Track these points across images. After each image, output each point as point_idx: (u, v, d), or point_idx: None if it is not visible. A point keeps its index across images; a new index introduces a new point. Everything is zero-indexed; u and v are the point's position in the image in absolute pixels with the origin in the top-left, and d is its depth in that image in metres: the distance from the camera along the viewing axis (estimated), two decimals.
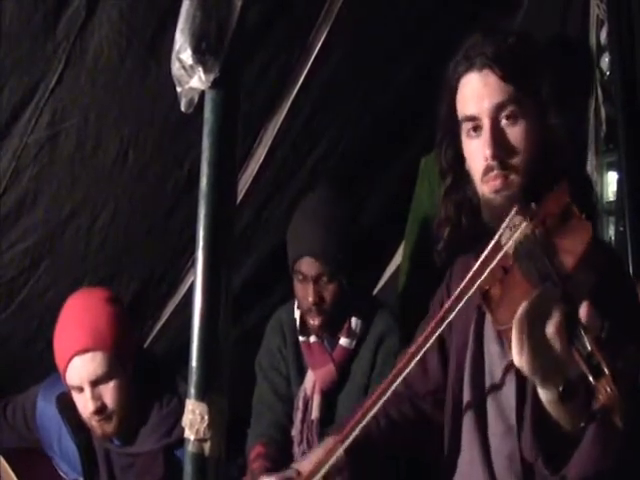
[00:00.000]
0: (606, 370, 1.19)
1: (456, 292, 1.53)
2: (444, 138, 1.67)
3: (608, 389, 1.18)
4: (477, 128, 1.56)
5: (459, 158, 1.64)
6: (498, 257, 1.47)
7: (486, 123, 1.54)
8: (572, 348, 1.24)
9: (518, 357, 1.29)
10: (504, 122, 1.54)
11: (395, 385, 1.58)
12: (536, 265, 1.34)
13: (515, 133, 1.54)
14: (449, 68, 1.62)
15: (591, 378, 1.20)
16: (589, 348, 1.22)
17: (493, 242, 1.50)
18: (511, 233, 1.47)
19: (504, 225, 1.49)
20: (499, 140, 1.53)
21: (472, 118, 1.57)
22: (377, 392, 1.60)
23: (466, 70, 1.58)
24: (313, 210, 2.54)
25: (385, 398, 1.58)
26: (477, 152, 1.56)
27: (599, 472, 1.39)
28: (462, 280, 1.53)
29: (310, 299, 2.46)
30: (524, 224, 1.45)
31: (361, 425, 1.60)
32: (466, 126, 1.59)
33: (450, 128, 1.64)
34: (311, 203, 2.57)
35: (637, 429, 1.40)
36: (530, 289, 1.33)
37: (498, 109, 1.54)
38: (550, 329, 1.25)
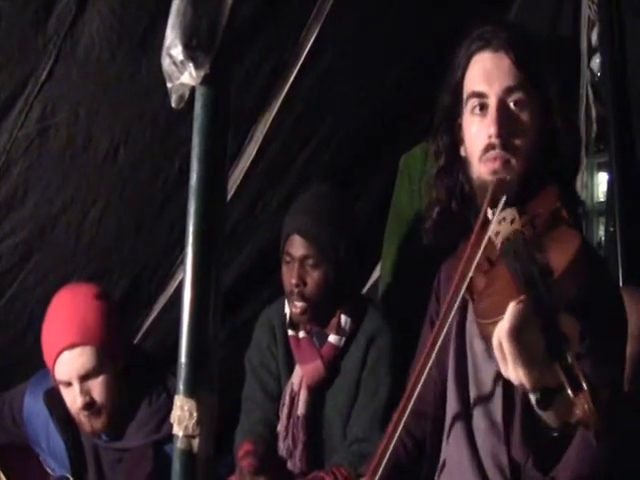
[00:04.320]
0: (584, 385, 1.19)
1: (450, 292, 1.53)
2: (442, 122, 1.68)
3: (586, 406, 1.18)
4: (483, 107, 1.57)
5: (454, 144, 1.65)
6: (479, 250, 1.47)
7: (493, 102, 1.55)
8: (553, 358, 1.23)
9: (514, 373, 1.29)
10: (512, 106, 1.55)
11: (409, 408, 1.56)
12: (522, 266, 1.34)
13: (521, 118, 1.55)
14: (459, 50, 1.63)
15: (569, 391, 1.20)
16: (569, 360, 1.21)
17: (476, 231, 1.50)
18: (500, 227, 1.47)
19: (494, 219, 1.49)
20: (505, 120, 1.54)
21: (480, 95, 1.57)
22: (394, 419, 1.59)
23: (480, 49, 1.59)
24: (311, 198, 2.55)
25: (402, 423, 1.57)
26: (480, 130, 1.57)
27: (588, 474, 1.40)
28: (450, 282, 1.53)
29: (293, 280, 2.45)
30: (513, 219, 1.46)
31: (386, 457, 1.58)
32: (472, 103, 1.59)
33: (450, 112, 1.65)
34: (311, 193, 2.59)
35: (625, 433, 1.41)
36: (514, 286, 1.32)
37: (507, 92, 1.55)
38: (535, 338, 1.25)
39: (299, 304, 2.47)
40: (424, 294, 1.89)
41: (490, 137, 1.53)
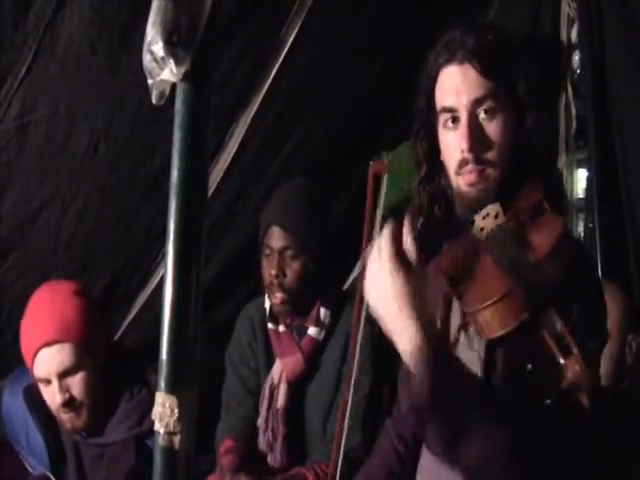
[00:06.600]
0: (575, 350, 1.25)
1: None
2: (420, 128, 1.68)
3: (577, 367, 1.24)
4: (455, 120, 1.57)
5: (434, 149, 1.65)
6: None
7: (464, 116, 1.55)
8: (543, 330, 1.29)
9: None
10: (482, 116, 1.56)
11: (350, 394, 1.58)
12: (507, 252, 1.39)
13: (492, 128, 1.56)
14: (429, 58, 1.63)
15: (560, 358, 1.26)
16: (559, 329, 1.27)
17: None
18: (484, 223, 1.49)
19: (478, 215, 1.51)
20: (476, 134, 1.54)
21: (450, 110, 1.58)
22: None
23: (446, 62, 1.59)
24: (288, 191, 2.57)
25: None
26: (454, 144, 1.57)
27: (497, 456, 1.42)
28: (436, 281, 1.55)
29: (273, 271, 2.46)
30: (497, 214, 1.48)
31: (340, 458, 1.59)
32: (443, 117, 1.59)
33: (427, 118, 1.65)
34: (288, 186, 2.61)
35: (536, 412, 1.43)
36: (501, 274, 1.38)
37: (476, 104, 1.55)
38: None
39: (279, 295, 2.48)
40: None
41: (463, 152, 1.54)
